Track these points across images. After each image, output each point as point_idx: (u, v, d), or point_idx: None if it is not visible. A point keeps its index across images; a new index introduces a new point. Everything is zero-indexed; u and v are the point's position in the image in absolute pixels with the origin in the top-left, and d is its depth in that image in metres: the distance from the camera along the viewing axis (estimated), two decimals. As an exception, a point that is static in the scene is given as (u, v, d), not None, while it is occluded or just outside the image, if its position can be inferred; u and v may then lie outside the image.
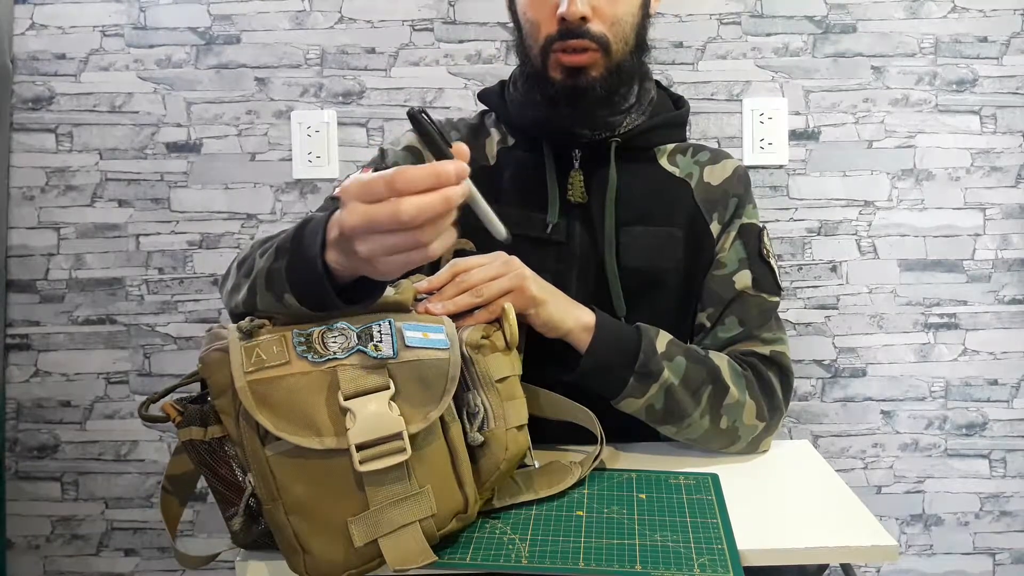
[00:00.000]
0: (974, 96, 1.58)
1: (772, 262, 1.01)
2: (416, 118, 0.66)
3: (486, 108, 1.10)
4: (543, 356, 0.87)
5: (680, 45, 1.58)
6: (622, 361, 0.87)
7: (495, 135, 1.05)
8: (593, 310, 0.89)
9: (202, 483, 0.71)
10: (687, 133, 1.09)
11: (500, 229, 0.70)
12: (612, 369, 0.87)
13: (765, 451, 0.95)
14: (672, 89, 1.12)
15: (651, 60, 1.03)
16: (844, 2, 1.57)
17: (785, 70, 1.58)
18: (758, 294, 0.99)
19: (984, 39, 1.58)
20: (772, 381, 0.95)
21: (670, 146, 1.05)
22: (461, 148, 0.64)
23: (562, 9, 0.90)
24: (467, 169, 0.61)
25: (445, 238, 0.61)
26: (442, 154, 0.64)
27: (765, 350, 0.97)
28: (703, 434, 0.91)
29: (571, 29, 0.91)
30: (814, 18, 1.58)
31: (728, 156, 1.06)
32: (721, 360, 0.93)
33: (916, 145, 1.59)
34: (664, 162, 1.03)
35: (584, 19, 0.90)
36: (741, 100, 1.58)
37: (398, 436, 0.64)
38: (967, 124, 1.59)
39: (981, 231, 1.60)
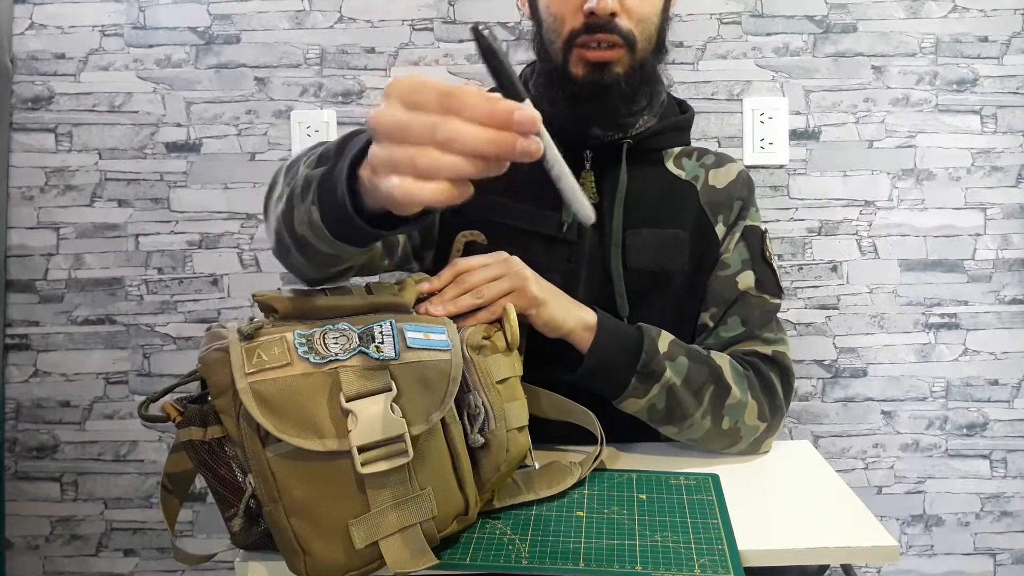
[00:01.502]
0: (975, 96, 1.58)
1: (774, 264, 1.02)
2: (479, 35, 0.54)
3: None
4: (543, 356, 0.87)
5: (680, 45, 1.57)
6: (624, 361, 0.87)
7: None
8: (595, 310, 0.89)
9: (201, 483, 0.71)
10: (690, 137, 1.09)
11: (588, 212, 0.60)
12: (614, 369, 0.87)
13: (766, 452, 0.95)
14: (672, 89, 1.12)
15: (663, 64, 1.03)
16: (844, 2, 1.57)
17: (785, 70, 1.58)
18: (761, 295, 0.99)
19: (984, 39, 1.57)
20: (773, 381, 0.95)
21: (676, 149, 1.05)
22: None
23: (591, 3, 0.88)
24: (536, 121, 0.50)
25: (444, 191, 0.50)
26: (512, 91, 0.53)
27: (767, 350, 0.97)
28: (704, 434, 0.91)
29: (599, 23, 0.90)
30: (814, 18, 1.58)
31: (732, 160, 1.07)
32: (723, 360, 0.93)
33: (916, 145, 1.59)
34: (670, 165, 1.04)
35: (613, 14, 0.90)
36: (741, 100, 1.58)
37: (400, 438, 0.64)
38: (968, 124, 1.59)
39: (982, 231, 1.60)
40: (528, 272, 0.85)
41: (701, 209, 1.02)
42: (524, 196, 0.97)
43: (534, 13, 0.99)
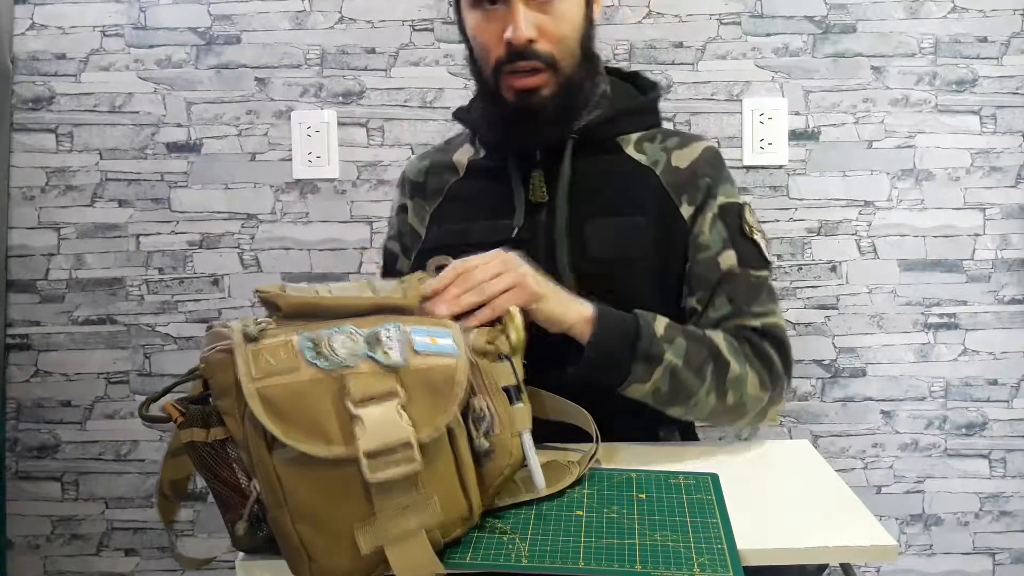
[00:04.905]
0: (974, 96, 1.58)
1: (756, 237, 1.01)
2: None
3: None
4: (543, 354, 0.87)
5: (680, 45, 1.58)
6: (624, 348, 0.88)
7: (468, 149, 1.09)
8: (592, 302, 0.89)
9: (202, 482, 0.71)
10: (659, 118, 1.09)
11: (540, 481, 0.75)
12: (615, 358, 0.88)
13: (773, 422, 0.96)
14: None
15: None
16: (844, 2, 1.57)
17: (785, 70, 1.58)
18: (744, 271, 0.99)
19: (984, 39, 1.58)
20: (768, 351, 0.96)
21: (636, 134, 1.05)
22: None
23: (508, 34, 0.92)
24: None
25: None
26: None
27: (756, 323, 0.98)
28: (711, 411, 0.93)
29: (519, 51, 0.93)
30: (814, 18, 1.58)
31: (698, 139, 1.06)
32: (717, 336, 0.94)
33: (916, 145, 1.59)
34: (631, 151, 1.04)
35: (531, 41, 0.93)
36: (741, 100, 1.58)
37: (407, 445, 0.63)
38: (967, 124, 1.59)
39: (981, 231, 1.60)
40: (526, 267, 0.85)
41: (664, 191, 1.01)
42: (479, 215, 1.02)
43: (465, 38, 1.02)
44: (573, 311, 0.88)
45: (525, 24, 0.92)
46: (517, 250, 0.97)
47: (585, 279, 0.97)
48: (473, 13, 0.96)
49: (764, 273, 1.01)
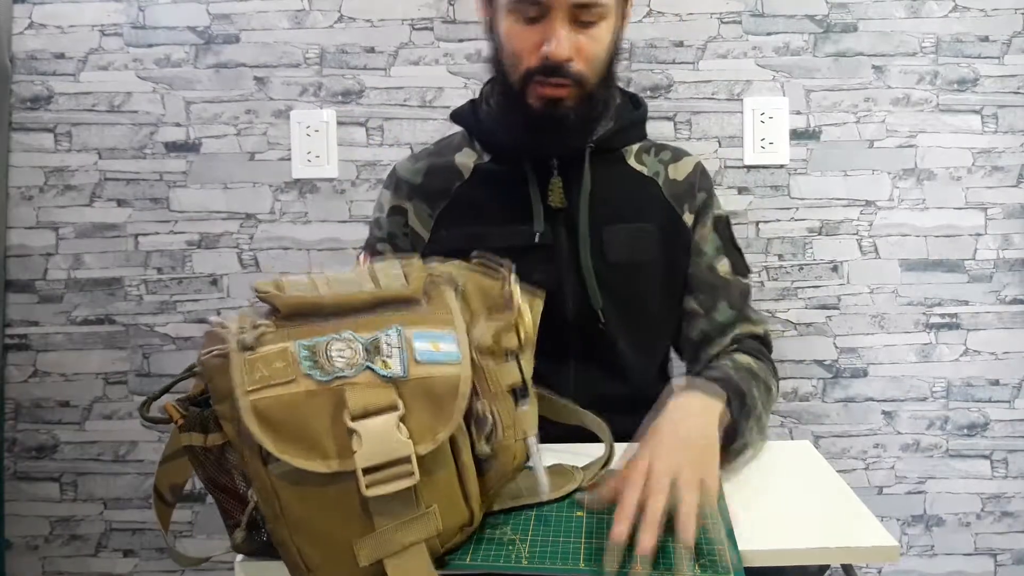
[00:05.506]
0: (975, 95, 1.58)
1: (740, 247, 1.11)
2: None
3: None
4: (552, 349, 0.87)
5: (680, 44, 1.57)
6: (743, 422, 0.91)
7: (470, 152, 1.09)
8: (718, 399, 0.87)
9: (200, 483, 0.71)
10: (646, 130, 1.14)
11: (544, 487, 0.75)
12: (737, 431, 0.90)
13: None
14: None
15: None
16: (845, 1, 1.57)
17: (786, 69, 1.58)
18: (736, 277, 1.08)
19: (985, 38, 1.57)
20: (771, 360, 1.06)
21: (635, 146, 1.11)
22: None
23: (548, 49, 0.93)
24: None
25: None
26: None
27: (759, 330, 1.07)
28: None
29: (553, 67, 0.95)
30: (815, 17, 1.57)
31: (688, 153, 1.14)
32: (752, 362, 1.00)
33: (917, 145, 1.59)
34: (632, 162, 1.10)
35: (568, 60, 0.94)
36: (742, 99, 1.58)
37: (406, 460, 0.62)
38: (968, 123, 1.58)
39: (982, 231, 1.60)
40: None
41: (667, 202, 1.08)
42: (495, 219, 1.03)
43: (492, 36, 1.02)
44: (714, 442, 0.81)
45: (566, 43, 0.93)
46: (538, 251, 1.01)
47: (604, 281, 1.02)
48: (509, 18, 0.97)
49: (747, 281, 1.11)
